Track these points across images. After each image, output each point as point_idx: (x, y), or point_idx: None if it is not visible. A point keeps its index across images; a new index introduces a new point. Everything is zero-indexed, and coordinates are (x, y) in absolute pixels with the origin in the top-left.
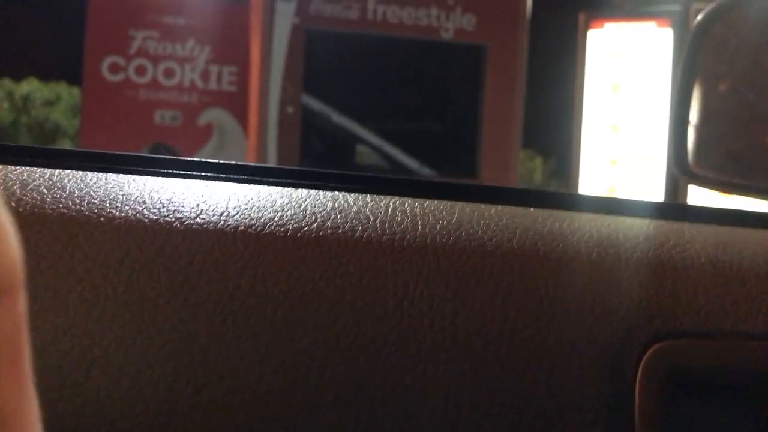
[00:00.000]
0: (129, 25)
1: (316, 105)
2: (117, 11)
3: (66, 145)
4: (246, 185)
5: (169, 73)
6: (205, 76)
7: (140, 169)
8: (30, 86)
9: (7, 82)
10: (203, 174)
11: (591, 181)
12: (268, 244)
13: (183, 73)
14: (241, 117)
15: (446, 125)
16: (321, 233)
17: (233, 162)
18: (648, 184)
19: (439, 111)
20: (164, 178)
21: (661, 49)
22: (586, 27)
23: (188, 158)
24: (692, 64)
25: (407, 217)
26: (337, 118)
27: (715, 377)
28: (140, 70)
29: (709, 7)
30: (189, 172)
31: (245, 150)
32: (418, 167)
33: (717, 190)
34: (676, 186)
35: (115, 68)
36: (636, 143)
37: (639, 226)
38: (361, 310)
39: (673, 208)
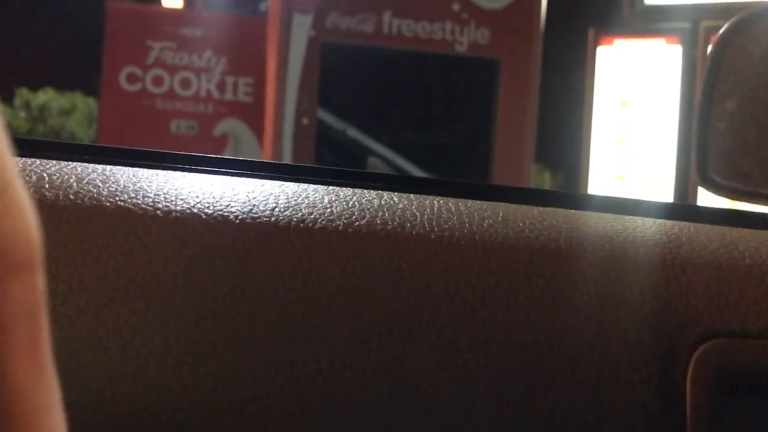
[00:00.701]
0: (147, 36)
1: (331, 117)
2: (136, 22)
3: None
4: (293, 184)
5: (185, 84)
6: (221, 86)
7: (188, 166)
8: (46, 96)
9: (24, 92)
10: (249, 172)
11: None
12: (320, 240)
13: (199, 83)
14: (257, 128)
15: (459, 139)
16: (371, 229)
17: (280, 162)
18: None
19: (452, 124)
20: (212, 176)
21: (670, 66)
22: (596, 43)
23: (235, 158)
24: (716, 72)
25: (453, 215)
26: (352, 130)
27: (763, 378)
28: (157, 80)
29: (733, 17)
30: (237, 171)
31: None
32: (431, 174)
33: (739, 200)
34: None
35: (132, 78)
36: (644, 159)
37: (686, 229)
38: (413, 305)
39: (722, 213)
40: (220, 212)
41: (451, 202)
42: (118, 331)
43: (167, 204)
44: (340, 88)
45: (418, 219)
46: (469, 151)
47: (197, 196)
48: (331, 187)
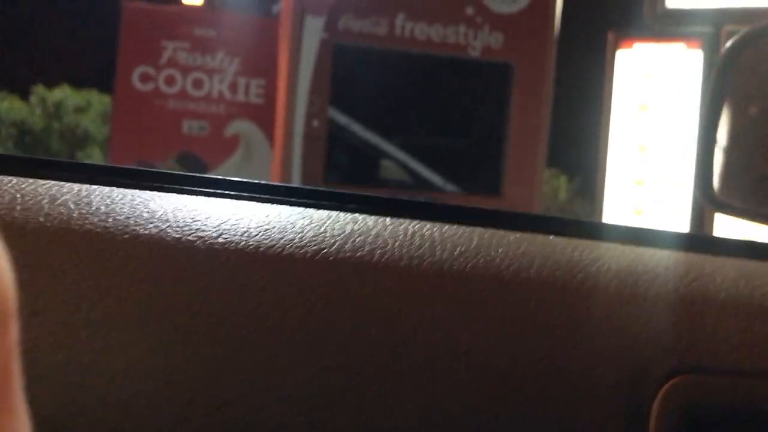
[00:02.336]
0: (161, 36)
1: (341, 119)
2: (150, 22)
3: (95, 150)
4: (268, 205)
5: (198, 84)
6: (233, 87)
7: (165, 186)
8: (62, 93)
9: (41, 89)
10: (226, 193)
11: (616, 202)
12: (288, 266)
13: (212, 84)
14: (268, 129)
15: (471, 143)
16: (340, 256)
17: (256, 181)
18: (674, 206)
19: (464, 128)
20: (188, 196)
21: (691, 71)
22: (615, 46)
23: (212, 176)
24: (721, 88)
25: (426, 242)
26: (363, 132)
27: (733, 415)
28: (170, 80)
29: (740, 31)
30: (213, 191)
31: (270, 162)
32: (442, 183)
33: (743, 218)
34: (702, 210)
35: (145, 78)
36: (663, 164)
37: (660, 258)
38: (376, 334)
39: (696, 240)
40: (191, 235)
41: (427, 228)
42: (78, 358)
43: (137, 227)
44: (351, 90)
45: (389, 246)
46: (481, 155)
47: (168, 219)
48: (306, 210)
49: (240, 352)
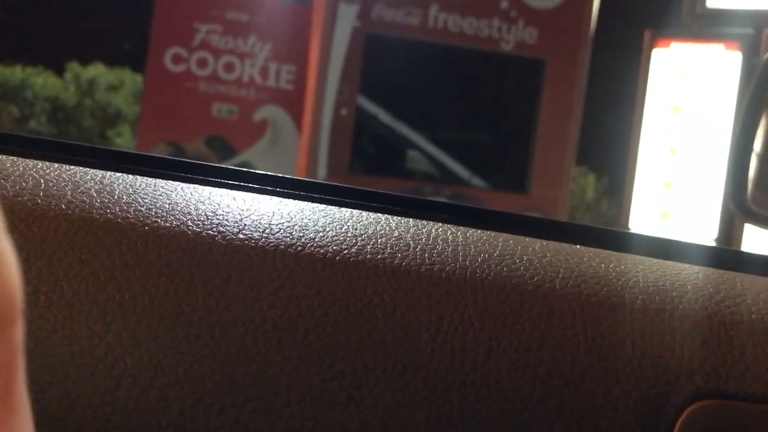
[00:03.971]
0: (194, 18)
1: (370, 108)
2: (184, 4)
3: (125, 129)
4: (291, 201)
5: (229, 68)
6: (263, 72)
7: (189, 176)
8: (96, 70)
9: (75, 66)
10: (250, 186)
11: (643, 203)
12: (306, 266)
13: (243, 68)
14: (296, 115)
15: (500, 138)
16: (360, 258)
17: (280, 175)
18: (703, 210)
19: (493, 123)
20: (211, 188)
21: (728, 73)
22: (652, 45)
23: (236, 168)
24: (760, 95)
25: (448, 247)
26: (391, 122)
27: None
28: (201, 63)
29: None
30: (236, 183)
31: (297, 148)
32: (469, 177)
33: None
34: (731, 217)
35: (177, 59)
36: (694, 167)
37: (688, 274)
38: (392, 341)
39: (727, 256)
40: (210, 230)
41: (450, 231)
42: (91, 350)
43: (157, 219)
44: (381, 80)
45: (411, 249)
46: (509, 151)
47: (190, 212)
48: (329, 207)
49: (253, 352)
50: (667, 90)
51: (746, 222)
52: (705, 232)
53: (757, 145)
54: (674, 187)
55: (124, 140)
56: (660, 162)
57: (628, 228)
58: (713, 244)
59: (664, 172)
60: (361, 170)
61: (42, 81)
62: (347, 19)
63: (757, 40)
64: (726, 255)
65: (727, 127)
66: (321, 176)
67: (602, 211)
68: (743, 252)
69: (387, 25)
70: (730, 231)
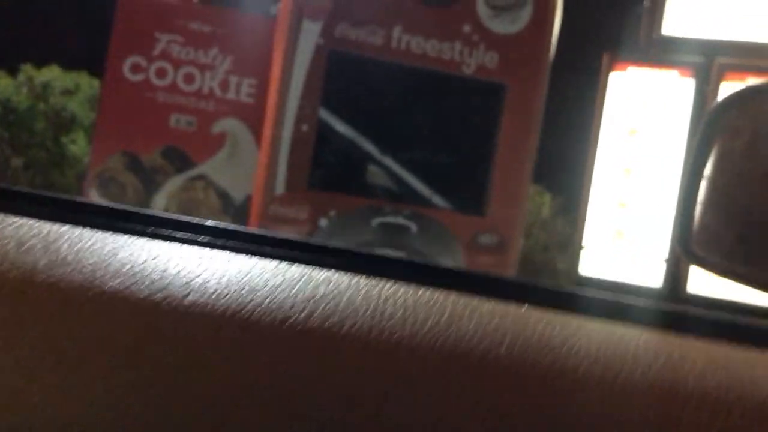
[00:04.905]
0: (155, 27)
1: (331, 125)
2: (145, 12)
3: (80, 135)
4: (243, 257)
5: (188, 79)
6: (224, 85)
7: (138, 228)
8: (51, 74)
9: (29, 68)
10: (200, 240)
11: (598, 222)
12: (254, 333)
13: (203, 80)
14: (256, 129)
15: (459, 160)
16: (308, 325)
17: (232, 227)
18: (656, 231)
19: (453, 145)
20: (161, 243)
21: (682, 99)
22: (609, 68)
23: (188, 219)
24: (706, 144)
25: (398, 310)
26: (351, 140)
27: None
28: (161, 73)
29: (729, 92)
30: (187, 236)
31: (256, 162)
32: (428, 198)
33: (720, 276)
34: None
35: (136, 68)
36: (648, 188)
37: (631, 338)
38: (339, 411)
39: (670, 318)
40: (158, 293)
41: (401, 291)
42: (33, 414)
43: (102, 283)
44: (343, 97)
45: (360, 313)
46: (468, 173)
47: (136, 273)
48: (280, 265)
49: (198, 421)
50: (624, 112)
51: (691, 264)
52: (657, 252)
53: (704, 192)
54: (628, 208)
55: (78, 147)
56: (615, 182)
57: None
58: (659, 302)
59: (619, 192)
60: (319, 187)
61: None
62: (310, 35)
63: (708, 68)
64: (669, 317)
65: (680, 150)
66: (279, 191)
67: (557, 230)
68: (686, 314)
69: (350, 43)
70: (678, 267)
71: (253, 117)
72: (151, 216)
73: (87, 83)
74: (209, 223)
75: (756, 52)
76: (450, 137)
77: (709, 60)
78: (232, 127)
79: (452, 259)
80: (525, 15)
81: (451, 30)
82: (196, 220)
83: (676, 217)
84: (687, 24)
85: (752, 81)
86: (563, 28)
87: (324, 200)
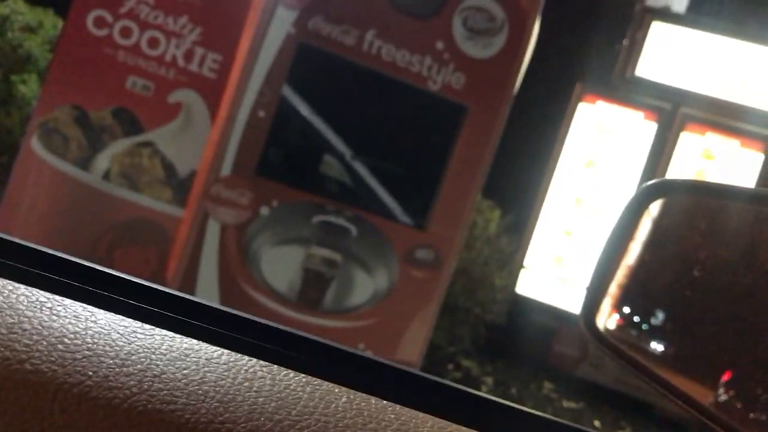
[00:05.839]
0: None
1: (288, 117)
2: None
3: (32, 77)
4: (178, 336)
5: (153, 43)
6: (188, 55)
7: (75, 285)
8: (13, 6)
9: None
10: (135, 308)
11: (542, 246)
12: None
13: (167, 46)
14: (213, 106)
15: (410, 172)
16: (224, 426)
17: (174, 292)
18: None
19: (407, 157)
20: (82, 305)
21: (642, 140)
22: (579, 98)
23: (138, 280)
24: (627, 227)
25: (315, 412)
26: (307, 135)
27: None
28: (125, 32)
29: (655, 179)
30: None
31: (206, 139)
32: (371, 204)
33: (616, 361)
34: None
35: (100, 22)
36: (595, 221)
37: None
38: None
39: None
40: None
41: (319, 393)
42: None
43: (10, 359)
44: (306, 91)
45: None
46: (417, 186)
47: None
48: (215, 352)
49: None
50: (585, 143)
51: (590, 340)
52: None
53: (619, 274)
54: (573, 236)
55: (29, 89)
56: (565, 210)
57: (522, 266)
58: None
59: (566, 220)
60: (266, 175)
61: None
62: (283, 23)
63: (673, 116)
64: None
65: (632, 189)
66: (225, 172)
67: (501, 246)
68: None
69: (321, 39)
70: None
71: (212, 93)
72: (89, 269)
73: (51, 22)
74: (151, 285)
75: (719, 108)
76: (405, 149)
77: (674, 107)
78: (189, 99)
79: (388, 269)
80: (498, 42)
81: (424, 44)
82: (145, 283)
83: (585, 296)
84: (660, 69)
85: (710, 136)
86: (540, 53)
87: (269, 189)
